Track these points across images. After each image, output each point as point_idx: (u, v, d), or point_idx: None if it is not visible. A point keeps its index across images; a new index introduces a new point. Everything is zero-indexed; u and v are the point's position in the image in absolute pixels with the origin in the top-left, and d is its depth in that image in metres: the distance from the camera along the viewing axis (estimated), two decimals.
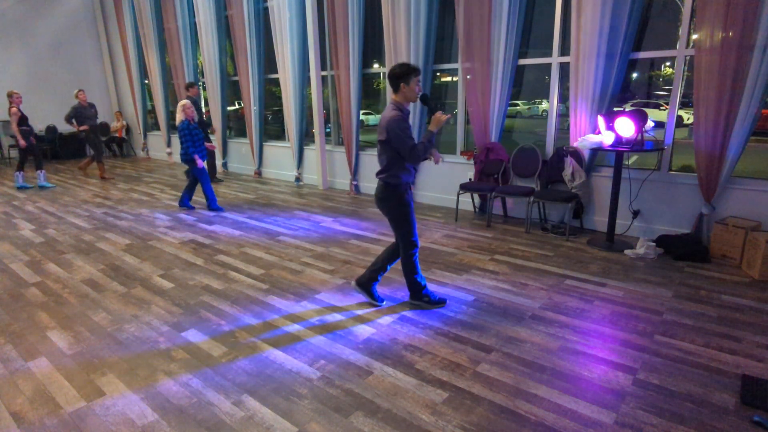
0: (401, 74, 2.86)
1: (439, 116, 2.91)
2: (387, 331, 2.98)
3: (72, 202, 6.74)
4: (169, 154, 10.38)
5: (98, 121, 8.29)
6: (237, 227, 5.33)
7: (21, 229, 5.44)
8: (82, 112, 7.83)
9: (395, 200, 3.03)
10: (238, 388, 2.43)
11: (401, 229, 3.09)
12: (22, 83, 10.30)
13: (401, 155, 2.91)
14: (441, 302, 3.31)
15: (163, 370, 2.61)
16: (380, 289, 3.58)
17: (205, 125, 7.10)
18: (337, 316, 3.18)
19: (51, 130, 10.69)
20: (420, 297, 3.30)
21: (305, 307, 3.33)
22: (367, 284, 3.34)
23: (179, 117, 5.61)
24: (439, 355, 2.69)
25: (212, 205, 6.03)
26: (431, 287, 3.59)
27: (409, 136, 2.87)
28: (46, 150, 10.61)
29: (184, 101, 5.66)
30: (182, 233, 5.14)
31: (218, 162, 9.10)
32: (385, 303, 3.36)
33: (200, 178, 5.87)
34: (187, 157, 5.69)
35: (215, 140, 8.94)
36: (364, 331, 2.99)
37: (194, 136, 5.62)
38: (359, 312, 3.24)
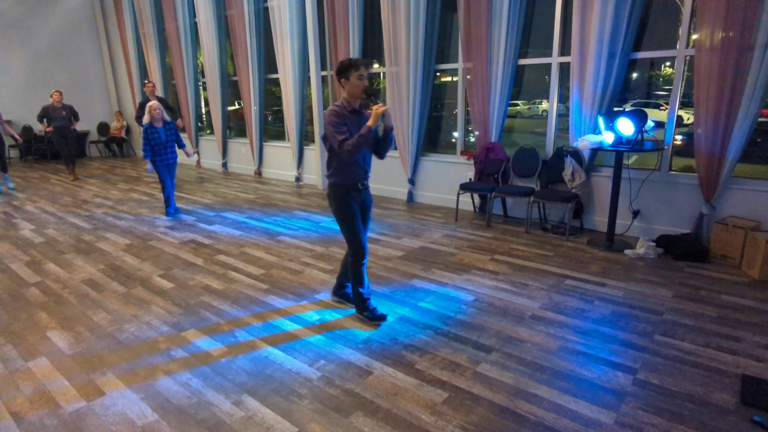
0: (340, 70, 2.77)
1: (375, 109, 2.68)
2: (387, 331, 2.98)
3: (72, 202, 6.74)
4: None
5: (68, 123, 7.87)
6: (237, 227, 5.32)
7: (21, 229, 5.44)
8: (50, 113, 7.76)
9: (334, 201, 2.92)
10: (238, 388, 2.43)
11: (343, 232, 2.98)
12: (22, 83, 10.30)
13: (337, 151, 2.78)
14: (381, 317, 3.09)
15: (163, 370, 2.61)
16: (378, 289, 3.58)
17: (174, 113, 7.01)
18: (337, 316, 3.18)
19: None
20: (361, 310, 3.12)
21: (305, 307, 3.33)
22: (338, 290, 3.35)
23: (145, 118, 5.54)
24: (439, 355, 2.69)
25: (168, 210, 5.92)
26: (429, 286, 3.59)
27: (340, 130, 2.72)
28: (46, 150, 10.61)
29: (152, 102, 5.56)
30: (182, 233, 5.14)
31: (218, 162, 9.11)
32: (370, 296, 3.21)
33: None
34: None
35: (216, 141, 8.95)
36: (364, 331, 2.99)
37: (150, 141, 5.52)
38: None
